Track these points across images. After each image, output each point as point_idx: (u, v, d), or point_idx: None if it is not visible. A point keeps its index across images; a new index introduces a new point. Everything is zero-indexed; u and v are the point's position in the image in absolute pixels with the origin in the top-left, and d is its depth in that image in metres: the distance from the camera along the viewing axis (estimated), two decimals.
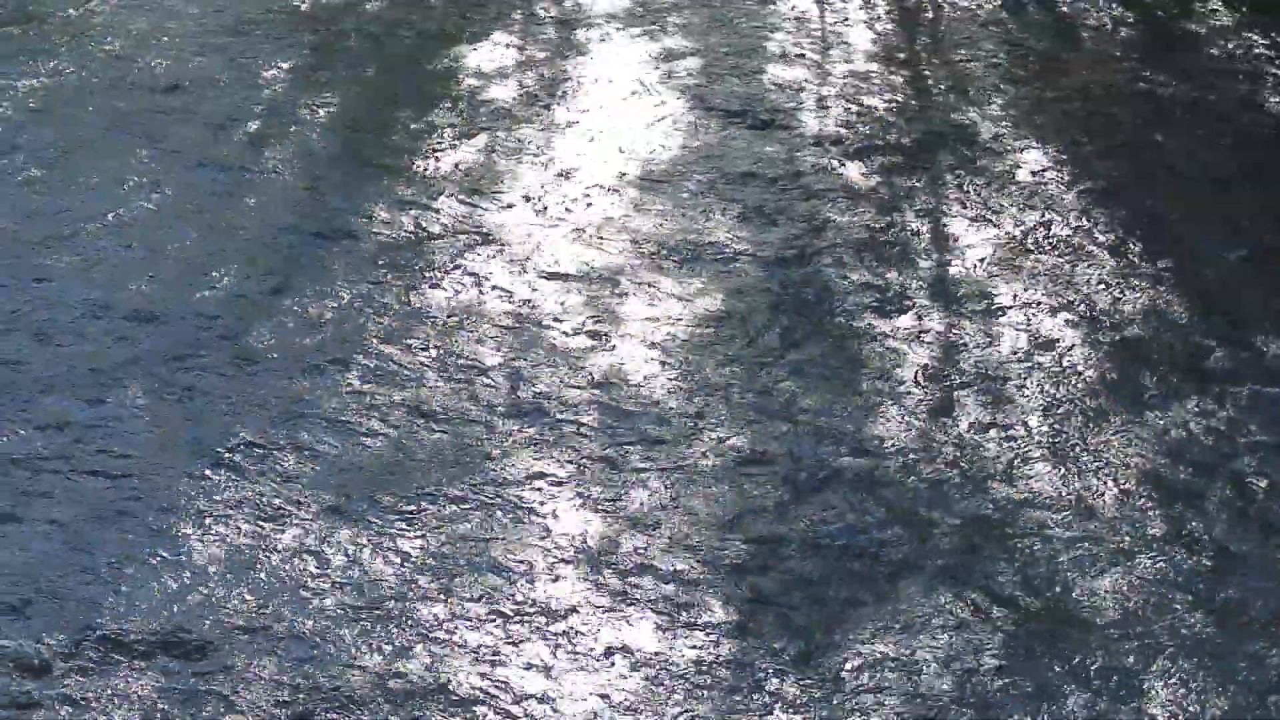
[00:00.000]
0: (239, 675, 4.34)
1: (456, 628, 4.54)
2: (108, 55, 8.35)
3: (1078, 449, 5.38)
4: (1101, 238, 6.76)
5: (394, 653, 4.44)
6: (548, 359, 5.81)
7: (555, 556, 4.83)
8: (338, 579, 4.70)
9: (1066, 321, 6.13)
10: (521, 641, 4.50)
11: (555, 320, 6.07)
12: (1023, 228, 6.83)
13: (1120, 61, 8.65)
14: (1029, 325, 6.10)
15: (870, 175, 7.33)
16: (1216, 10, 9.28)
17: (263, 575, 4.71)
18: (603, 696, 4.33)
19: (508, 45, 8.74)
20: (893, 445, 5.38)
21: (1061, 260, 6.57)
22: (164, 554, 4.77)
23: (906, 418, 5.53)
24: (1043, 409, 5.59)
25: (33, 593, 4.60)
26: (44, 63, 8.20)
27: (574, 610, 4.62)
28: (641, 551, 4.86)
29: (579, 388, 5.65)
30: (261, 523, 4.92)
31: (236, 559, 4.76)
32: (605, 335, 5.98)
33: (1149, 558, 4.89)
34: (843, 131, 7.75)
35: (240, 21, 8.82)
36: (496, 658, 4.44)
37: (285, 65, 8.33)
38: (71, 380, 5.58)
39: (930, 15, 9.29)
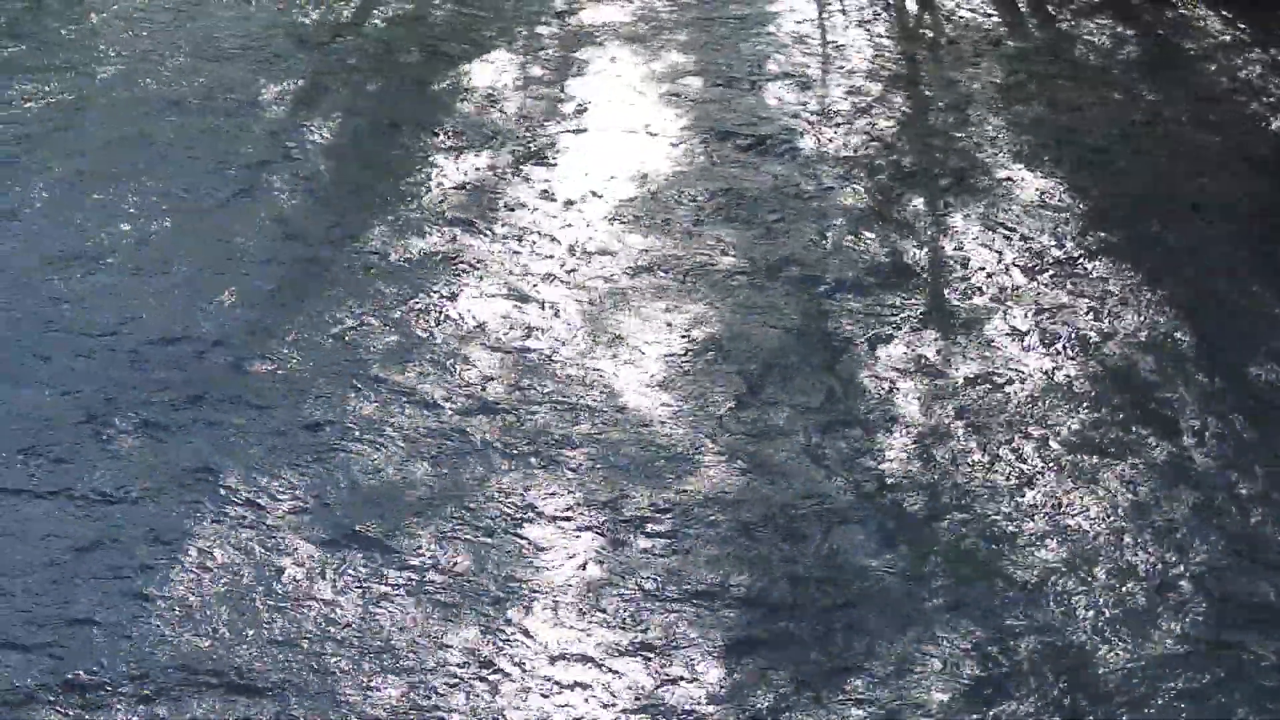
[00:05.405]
0: (229, 708, 4.35)
1: (451, 660, 4.54)
2: (108, 76, 8.37)
3: (1077, 476, 5.38)
4: (1100, 260, 6.76)
5: (386, 685, 4.45)
6: (546, 384, 5.82)
7: (550, 589, 4.83)
8: (332, 609, 4.70)
9: (1064, 346, 6.13)
10: (514, 675, 4.50)
11: (553, 343, 6.07)
12: (1021, 249, 6.83)
13: (1120, 80, 8.66)
14: (1027, 349, 6.10)
15: (870, 196, 7.33)
16: (1215, 29, 9.29)
17: (258, 606, 4.71)
18: None
19: (509, 65, 8.75)
20: (891, 473, 5.38)
21: (1060, 283, 6.57)
22: (157, 585, 4.77)
23: (904, 444, 5.53)
24: (1042, 434, 5.59)
25: (20, 624, 4.61)
26: (44, 83, 8.22)
27: (569, 648, 4.62)
28: (638, 587, 4.86)
29: (569, 413, 5.65)
30: (258, 551, 4.92)
31: (232, 589, 4.76)
32: (603, 358, 5.99)
33: (1142, 588, 4.89)
34: (842, 152, 7.75)
35: (242, 40, 8.83)
36: (489, 692, 4.45)
37: (287, 85, 8.35)
38: (71, 404, 5.59)
39: (930, 35, 9.30)
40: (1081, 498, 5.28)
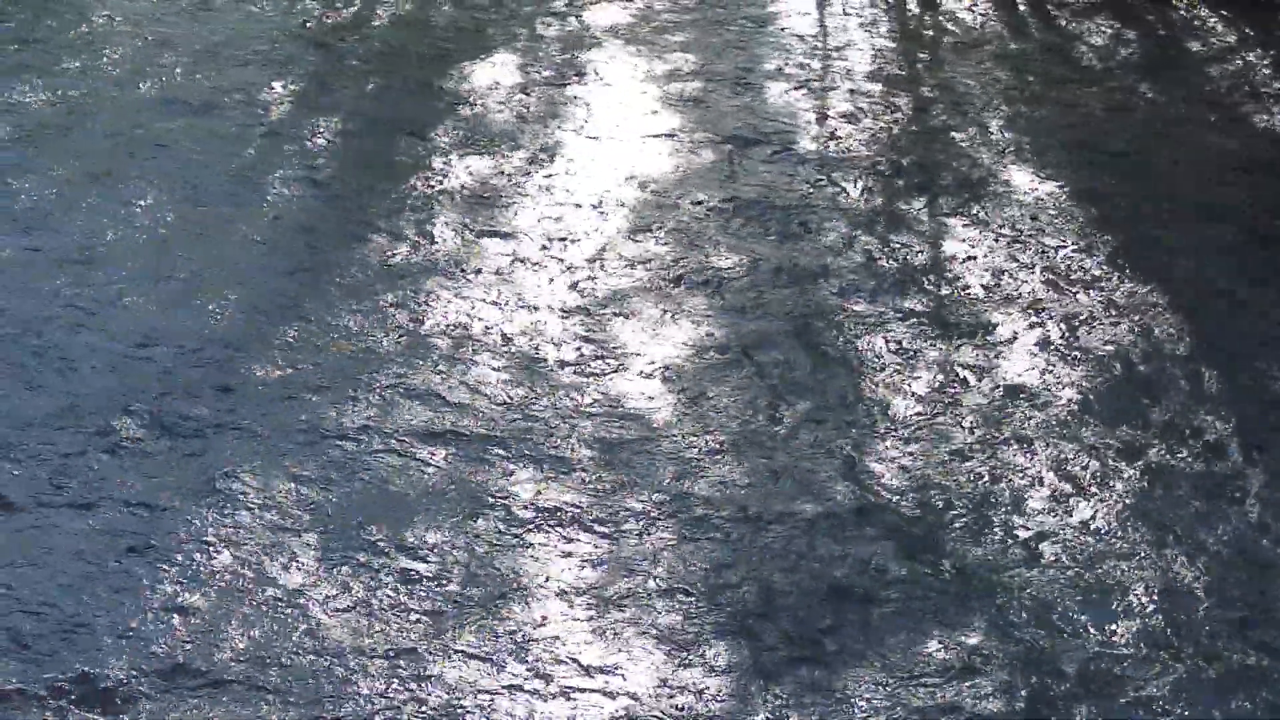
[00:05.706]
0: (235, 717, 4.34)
1: (456, 667, 4.54)
2: (110, 77, 8.33)
3: (1077, 484, 5.39)
4: (1102, 262, 6.79)
5: (414, 694, 4.44)
6: (550, 390, 5.80)
7: (553, 595, 4.82)
8: (336, 617, 4.69)
9: (1066, 349, 6.14)
10: (516, 679, 4.50)
11: (557, 349, 6.06)
12: (1022, 251, 6.86)
13: (1121, 81, 8.70)
14: (1029, 353, 6.11)
15: (871, 197, 7.35)
16: (1218, 29, 9.34)
17: (284, 615, 4.70)
18: None
19: (511, 67, 8.75)
20: (892, 478, 5.38)
21: (1061, 285, 6.59)
22: (185, 595, 4.75)
23: (906, 449, 5.54)
24: (1042, 440, 5.60)
25: (28, 629, 4.59)
26: (47, 84, 8.17)
27: (570, 648, 4.62)
28: (669, 598, 4.85)
29: (581, 419, 5.63)
30: (281, 559, 4.91)
31: (257, 598, 4.75)
32: (608, 364, 5.97)
33: (1197, 608, 4.91)
34: (844, 153, 7.77)
35: (244, 43, 8.81)
36: (518, 703, 4.45)
37: (288, 87, 8.33)
38: (87, 411, 5.56)
39: (931, 35, 9.33)
40: (1128, 516, 5.29)
